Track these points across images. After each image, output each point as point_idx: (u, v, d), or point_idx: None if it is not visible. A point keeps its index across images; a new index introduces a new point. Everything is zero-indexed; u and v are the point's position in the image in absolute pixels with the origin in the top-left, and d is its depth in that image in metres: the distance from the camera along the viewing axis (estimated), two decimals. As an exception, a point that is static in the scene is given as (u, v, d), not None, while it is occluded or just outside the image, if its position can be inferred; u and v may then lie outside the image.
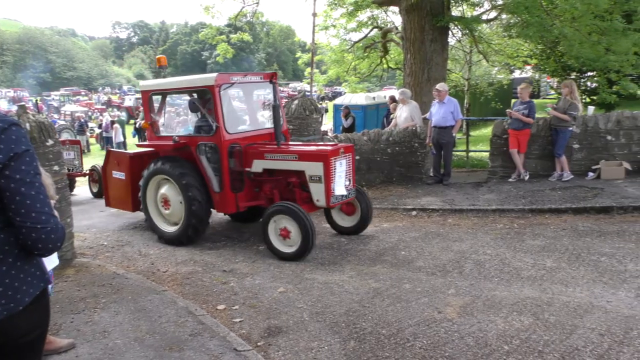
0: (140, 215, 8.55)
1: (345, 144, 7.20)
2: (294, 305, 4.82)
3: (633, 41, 8.29)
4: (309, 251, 6.19)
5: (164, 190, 7.26)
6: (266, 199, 7.07)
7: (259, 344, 4.11)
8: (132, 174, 7.88)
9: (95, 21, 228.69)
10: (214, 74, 6.76)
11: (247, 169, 6.91)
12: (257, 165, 6.87)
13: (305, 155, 6.56)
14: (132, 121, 33.77)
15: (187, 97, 7.69)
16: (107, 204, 8.63)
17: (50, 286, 2.17)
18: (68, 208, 6.27)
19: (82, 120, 24.99)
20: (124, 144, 24.15)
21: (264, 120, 7.98)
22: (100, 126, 27.22)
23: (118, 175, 8.12)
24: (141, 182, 7.47)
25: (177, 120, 9.28)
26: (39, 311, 2.01)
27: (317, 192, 6.43)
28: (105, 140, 23.95)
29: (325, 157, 6.36)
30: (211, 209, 7.19)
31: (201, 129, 7.20)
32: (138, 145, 8.91)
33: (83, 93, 66.05)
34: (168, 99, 8.07)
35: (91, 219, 9.51)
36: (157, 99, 7.82)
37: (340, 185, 6.50)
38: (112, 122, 23.52)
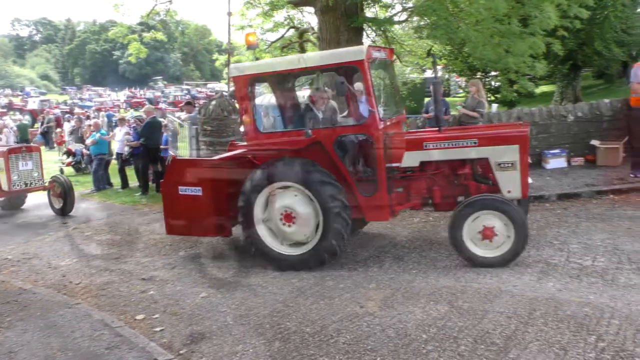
0: (47, 225, 8.03)
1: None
2: (217, 310, 4.75)
3: (529, 44, 8.94)
4: (521, 252, 5.27)
5: (281, 202, 5.75)
6: (421, 199, 5.92)
7: (181, 352, 4.01)
8: (213, 188, 6.15)
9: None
10: (363, 46, 5.53)
11: (397, 164, 5.71)
12: (412, 159, 5.67)
13: (490, 139, 5.50)
14: (36, 125, 31.57)
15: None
16: (170, 231, 6.62)
17: None
18: (-36, 221, 5.77)
19: (-22, 125, 22.92)
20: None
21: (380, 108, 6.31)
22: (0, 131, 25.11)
23: (190, 191, 6.22)
24: (244, 197, 5.87)
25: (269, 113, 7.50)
26: None
27: (508, 181, 5.40)
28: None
29: (523, 139, 5.36)
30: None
31: (318, 120, 5.99)
32: (232, 147, 6.92)
33: (-21, 96, 60.92)
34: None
35: (-8, 232, 8.80)
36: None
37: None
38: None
